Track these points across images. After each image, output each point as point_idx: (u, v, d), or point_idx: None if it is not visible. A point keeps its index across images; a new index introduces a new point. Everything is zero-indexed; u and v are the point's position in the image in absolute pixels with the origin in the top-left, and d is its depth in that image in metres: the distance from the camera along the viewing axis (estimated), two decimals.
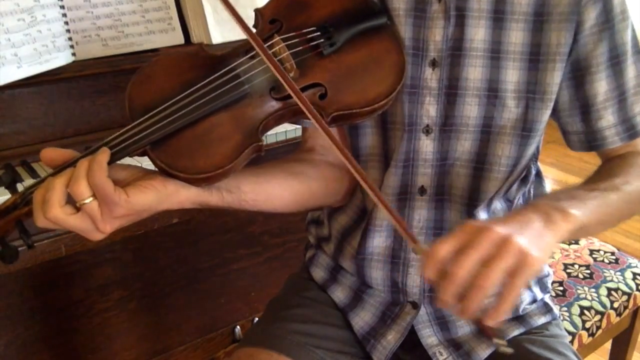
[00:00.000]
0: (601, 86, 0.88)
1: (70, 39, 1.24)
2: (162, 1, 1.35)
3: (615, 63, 0.87)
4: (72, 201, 0.69)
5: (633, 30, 0.89)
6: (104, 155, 0.69)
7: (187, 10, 1.39)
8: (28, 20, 1.17)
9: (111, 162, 0.71)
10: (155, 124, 0.74)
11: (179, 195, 0.75)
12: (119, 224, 0.72)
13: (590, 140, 0.92)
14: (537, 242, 0.65)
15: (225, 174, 0.76)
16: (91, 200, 0.68)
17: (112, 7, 1.30)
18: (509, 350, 0.65)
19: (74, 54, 1.25)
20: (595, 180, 0.84)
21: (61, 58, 1.22)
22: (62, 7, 1.24)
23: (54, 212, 0.67)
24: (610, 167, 0.90)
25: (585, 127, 0.91)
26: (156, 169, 0.76)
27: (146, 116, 0.74)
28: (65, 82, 1.24)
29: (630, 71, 0.89)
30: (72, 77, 1.25)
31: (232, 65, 0.79)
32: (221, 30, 1.38)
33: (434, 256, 0.64)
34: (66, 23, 1.24)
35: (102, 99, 1.30)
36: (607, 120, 0.90)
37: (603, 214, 0.78)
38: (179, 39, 1.37)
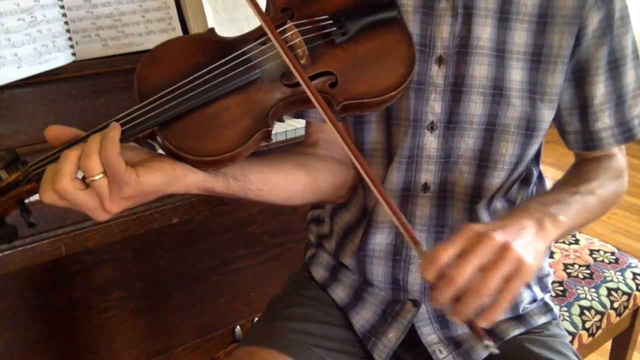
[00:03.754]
0: (599, 89, 0.90)
1: (70, 39, 1.24)
2: (162, 1, 1.35)
3: (614, 67, 0.89)
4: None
5: (633, 36, 0.90)
6: (115, 131, 0.68)
7: (187, 10, 1.39)
8: (28, 20, 1.16)
9: (120, 140, 0.69)
10: (165, 105, 0.73)
11: (187, 179, 0.74)
12: (126, 204, 0.71)
13: (587, 141, 0.94)
14: (532, 250, 0.68)
15: (233, 158, 0.75)
16: (101, 176, 0.67)
17: (112, 7, 1.30)
18: (496, 351, 0.68)
19: (74, 54, 1.25)
20: (575, 183, 0.88)
21: (61, 58, 1.22)
22: (62, 7, 1.24)
23: (64, 183, 0.65)
24: (587, 169, 0.93)
25: (582, 128, 0.93)
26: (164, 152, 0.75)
27: (156, 96, 0.73)
28: (65, 82, 1.24)
29: (629, 75, 0.91)
30: (72, 77, 1.24)
31: (244, 49, 0.79)
32: (221, 31, 1.37)
33: (434, 260, 0.66)
34: (66, 23, 1.24)
35: (102, 99, 1.29)
36: (604, 122, 0.92)
37: (583, 218, 0.85)
38: None
